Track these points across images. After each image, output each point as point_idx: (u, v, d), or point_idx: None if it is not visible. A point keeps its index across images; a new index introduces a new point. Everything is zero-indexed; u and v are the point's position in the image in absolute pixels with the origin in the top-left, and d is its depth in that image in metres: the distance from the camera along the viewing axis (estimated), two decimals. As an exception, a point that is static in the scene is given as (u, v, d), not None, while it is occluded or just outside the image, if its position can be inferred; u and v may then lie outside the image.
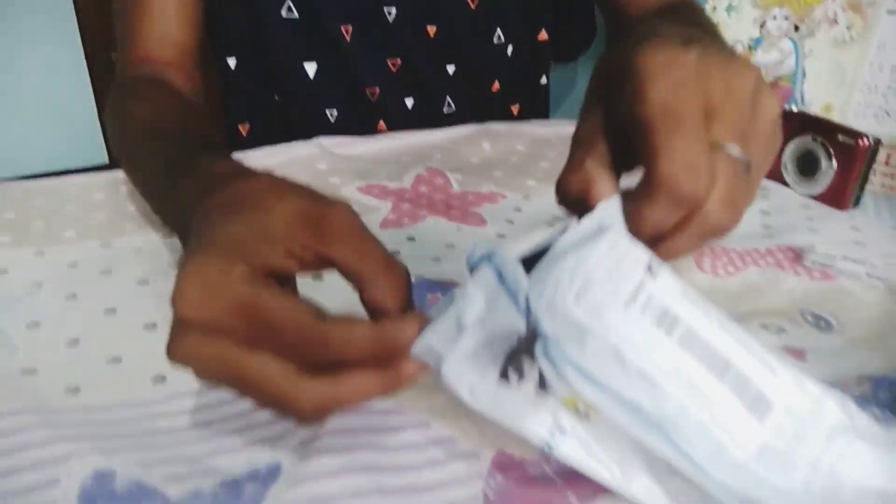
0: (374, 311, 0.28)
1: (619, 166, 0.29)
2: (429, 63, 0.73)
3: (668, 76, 0.27)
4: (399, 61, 0.71)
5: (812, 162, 0.57)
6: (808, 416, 0.27)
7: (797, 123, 0.56)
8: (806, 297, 0.45)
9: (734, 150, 0.28)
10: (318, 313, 0.25)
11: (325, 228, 0.26)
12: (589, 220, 0.27)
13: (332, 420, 0.32)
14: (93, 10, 1.64)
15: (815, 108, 0.62)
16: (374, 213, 0.53)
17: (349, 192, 0.56)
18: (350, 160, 0.62)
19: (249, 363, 0.25)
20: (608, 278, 0.26)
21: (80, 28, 1.67)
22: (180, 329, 0.25)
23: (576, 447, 0.27)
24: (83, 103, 1.76)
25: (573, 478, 0.28)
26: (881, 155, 0.58)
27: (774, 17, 0.62)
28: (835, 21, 0.60)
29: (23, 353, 0.37)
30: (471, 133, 0.68)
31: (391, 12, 0.68)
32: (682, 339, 0.26)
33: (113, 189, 0.55)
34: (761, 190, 0.56)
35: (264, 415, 0.33)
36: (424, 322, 0.27)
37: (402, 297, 0.28)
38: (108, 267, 0.45)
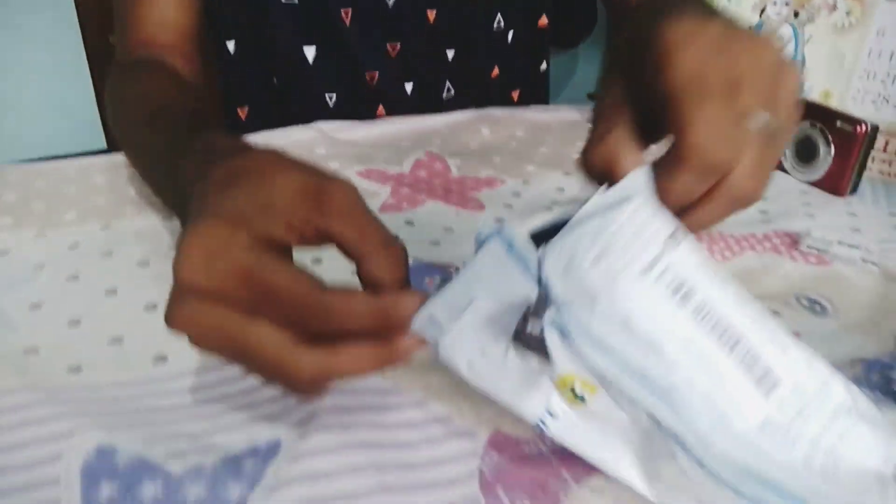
0: (372, 287, 0.28)
1: (641, 139, 0.30)
2: (429, 48, 0.72)
3: (694, 46, 0.28)
4: (399, 46, 0.71)
5: (810, 148, 0.57)
6: (814, 396, 0.27)
7: (795, 109, 0.56)
8: (802, 282, 0.45)
9: (761, 118, 0.28)
10: (318, 283, 0.26)
11: (326, 203, 0.26)
12: (616, 190, 0.28)
13: (331, 398, 0.33)
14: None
15: (813, 95, 0.62)
16: (373, 197, 0.53)
17: (348, 176, 0.56)
18: (349, 145, 0.62)
19: (248, 331, 0.25)
20: (627, 246, 0.26)
21: (78, 15, 1.66)
22: (180, 295, 0.25)
23: (565, 433, 0.28)
24: (81, 89, 1.75)
25: (568, 457, 0.29)
26: (879, 141, 0.58)
27: (774, 3, 0.62)
28: (834, 7, 0.59)
29: (25, 332, 0.38)
30: (470, 118, 0.68)
31: (391, -4, 0.68)
32: (696, 310, 0.26)
33: (113, 172, 0.55)
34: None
35: (264, 393, 0.34)
36: (423, 298, 0.27)
37: (400, 274, 0.28)
38: (109, 249, 0.46)
